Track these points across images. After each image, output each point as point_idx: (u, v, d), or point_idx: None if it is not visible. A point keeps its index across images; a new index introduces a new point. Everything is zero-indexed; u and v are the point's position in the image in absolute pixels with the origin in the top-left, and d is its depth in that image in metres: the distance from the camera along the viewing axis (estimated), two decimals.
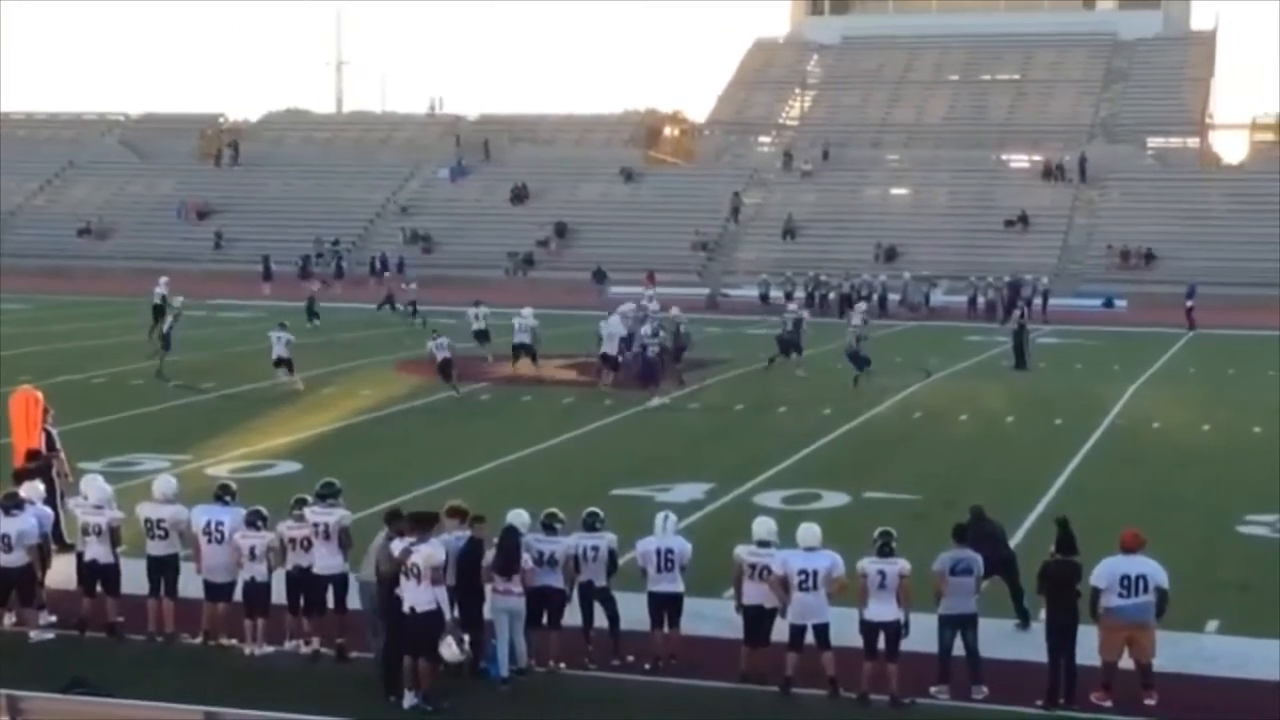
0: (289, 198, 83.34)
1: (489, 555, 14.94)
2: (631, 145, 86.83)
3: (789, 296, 53.98)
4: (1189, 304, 56.06)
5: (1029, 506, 22.50)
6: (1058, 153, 78.59)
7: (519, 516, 15.33)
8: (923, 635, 14.71)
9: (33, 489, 17.14)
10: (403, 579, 14.26)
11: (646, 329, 36.61)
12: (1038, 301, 60.24)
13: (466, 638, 14.46)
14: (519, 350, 39.17)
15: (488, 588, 15.00)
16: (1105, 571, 14.51)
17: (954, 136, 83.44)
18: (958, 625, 14.77)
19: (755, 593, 14.96)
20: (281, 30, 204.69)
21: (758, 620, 14.96)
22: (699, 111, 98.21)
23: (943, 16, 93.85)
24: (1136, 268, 68.37)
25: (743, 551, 15.13)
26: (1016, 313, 46.52)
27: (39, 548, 16.42)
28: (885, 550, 14.60)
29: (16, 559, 16.21)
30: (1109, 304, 64.48)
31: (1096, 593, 14.46)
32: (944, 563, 14.88)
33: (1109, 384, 38.26)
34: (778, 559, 14.83)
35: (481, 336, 41.64)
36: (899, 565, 14.56)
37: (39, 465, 18.81)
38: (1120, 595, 14.43)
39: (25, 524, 16.29)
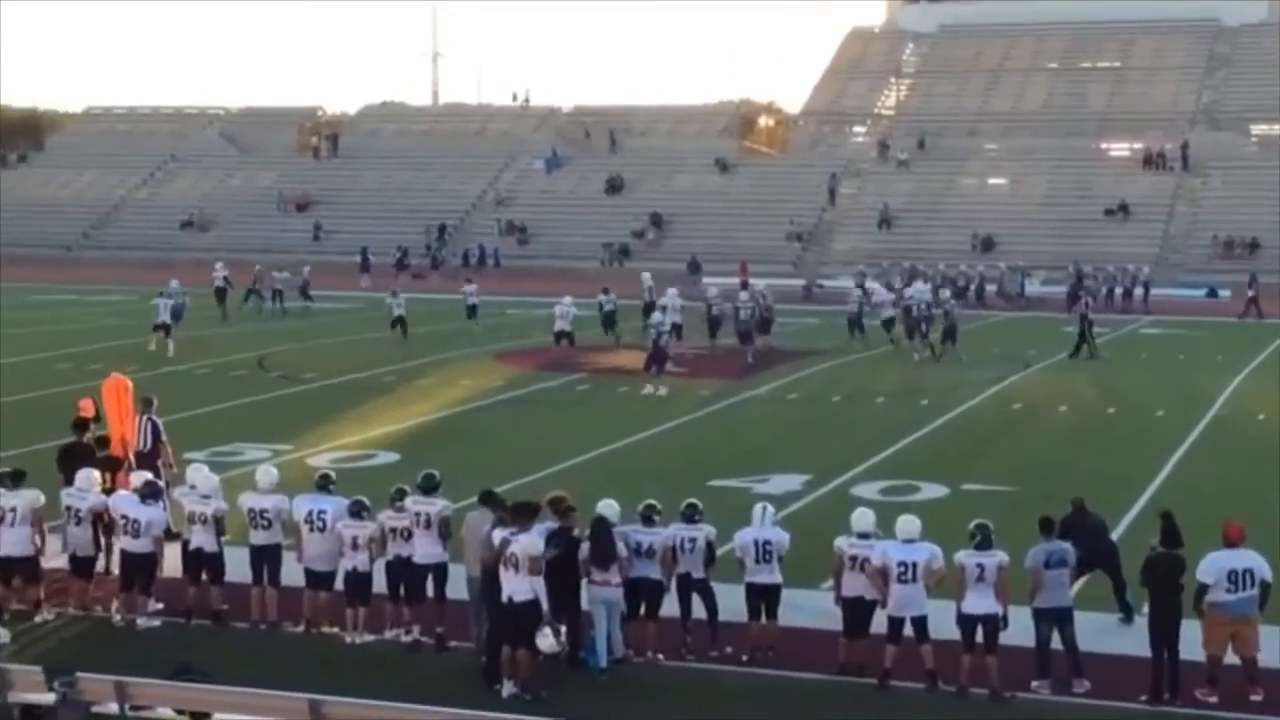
0: (386, 190, 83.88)
1: (584, 547, 15.00)
2: (726, 136, 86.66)
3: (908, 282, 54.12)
4: (1250, 293, 55.32)
5: (1131, 499, 22.26)
6: (1159, 141, 77.50)
7: (609, 507, 15.38)
8: (1023, 629, 14.60)
9: (86, 477, 17.33)
10: (501, 569, 14.35)
11: (656, 315, 37.12)
12: (1139, 292, 59.62)
13: (563, 629, 14.51)
14: (560, 337, 40.83)
15: (584, 580, 15.07)
16: (1212, 566, 14.30)
17: (1052, 125, 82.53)
18: (1054, 619, 14.63)
19: (855, 584, 14.90)
20: (379, 23, 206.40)
21: (857, 612, 14.90)
22: (794, 102, 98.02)
23: (1041, 3, 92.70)
24: (1240, 257, 67.28)
25: (843, 543, 15.08)
26: (1080, 303, 45.87)
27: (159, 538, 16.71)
28: (984, 543, 14.49)
29: (144, 545, 16.49)
30: (1212, 294, 63.49)
31: (1204, 588, 14.25)
32: (1037, 556, 14.74)
33: (1213, 375, 37.70)
34: (877, 550, 14.77)
35: (471, 311, 47.71)
36: (998, 558, 14.46)
37: (105, 456, 18.81)
38: (1228, 590, 14.24)
39: (156, 514, 16.60)
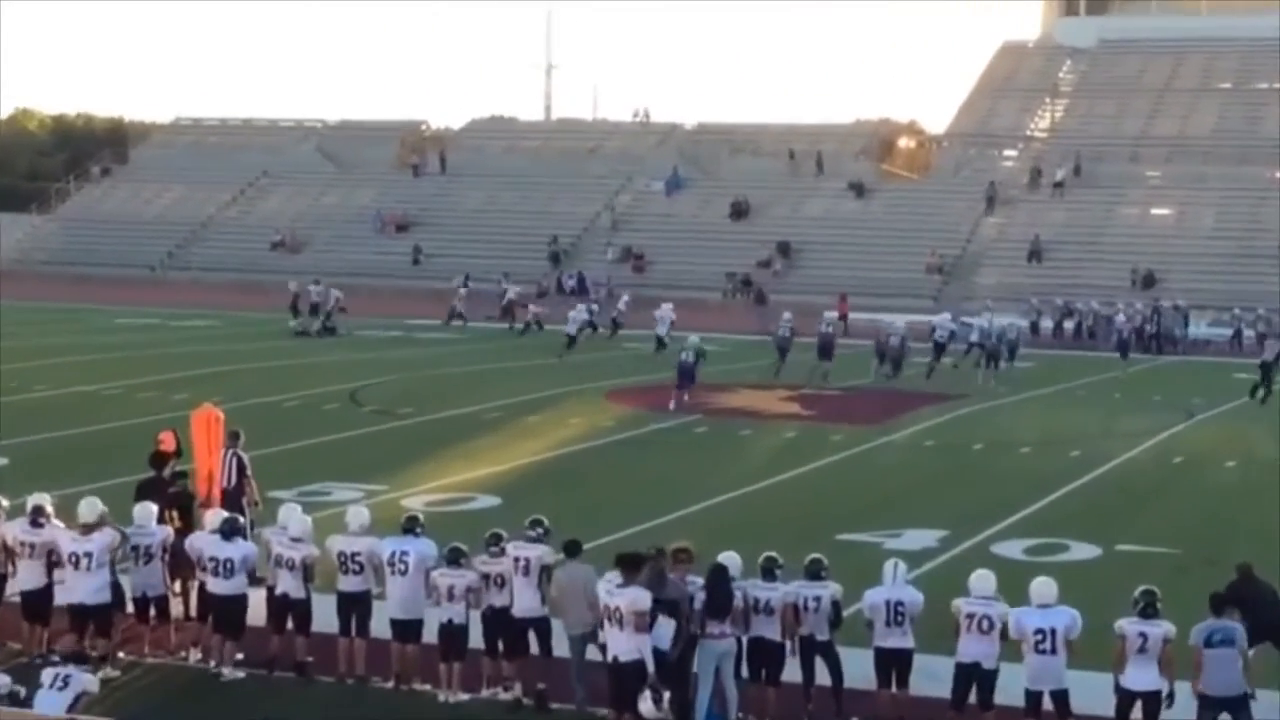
0: (492, 210, 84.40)
1: (698, 598, 14.95)
2: (863, 158, 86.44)
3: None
4: None
5: None
6: None
7: (731, 559, 15.32)
8: (1190, 709, 14.32)
9: (144, 511, 17.45)
10: (605, 624, 14.33)
11: (695, 338, 38.76)
12: None
13: (666, 694, 14.49)
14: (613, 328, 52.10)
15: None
16: None
17: (1223, 151, 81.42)
18: (1220, 707, 14.13)
19: (972, 648, 14.68)
20: (487, 32, 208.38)
21: (968, 680, 14.73)
22: (937, 122, 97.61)
23: (1213, 18, 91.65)
24: None
25: (960, 602, 14.92)
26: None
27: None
28: (1148, 611, 14.20)
29: (234, 587, 16.59)
30: None
31: None
32: (1198, 634, 14.27)
33: None
34: (1012, 617, 14.55)
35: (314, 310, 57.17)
36: (1163, 628, 14.13)
37: (175, 492, 18.91)
38: None
39: (247, 550, 16.76)
